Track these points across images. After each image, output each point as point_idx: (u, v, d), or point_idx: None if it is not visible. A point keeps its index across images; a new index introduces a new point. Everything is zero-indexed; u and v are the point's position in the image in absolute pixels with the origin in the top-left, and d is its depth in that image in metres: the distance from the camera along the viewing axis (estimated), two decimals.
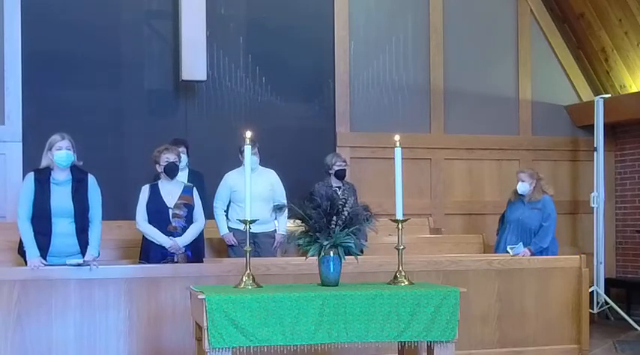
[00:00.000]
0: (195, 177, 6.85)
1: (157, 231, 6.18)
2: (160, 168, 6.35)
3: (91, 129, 7.81)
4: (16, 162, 7.74)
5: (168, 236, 6.19)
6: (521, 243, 7.18)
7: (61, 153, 5.61)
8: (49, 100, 7.90)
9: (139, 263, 6.27)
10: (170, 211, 6.24)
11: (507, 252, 7.03)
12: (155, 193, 6.30)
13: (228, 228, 6.99)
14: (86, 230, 5.74)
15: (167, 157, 6.31)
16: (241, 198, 6.60)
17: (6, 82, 7.81)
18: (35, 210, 5.60)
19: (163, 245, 6.17)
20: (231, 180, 6.98)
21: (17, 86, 7.83)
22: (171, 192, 6.30)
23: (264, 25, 8.60)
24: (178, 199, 6.28)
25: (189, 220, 6.29)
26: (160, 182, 6.37)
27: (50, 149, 5.64)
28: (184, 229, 6.26)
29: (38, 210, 5.60)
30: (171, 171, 6.33)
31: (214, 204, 7.01)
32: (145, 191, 6.32)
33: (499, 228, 7.65)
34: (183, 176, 6.75)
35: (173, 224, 6.23)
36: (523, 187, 7.41)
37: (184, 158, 6.81)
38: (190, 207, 6.31)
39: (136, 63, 8.22)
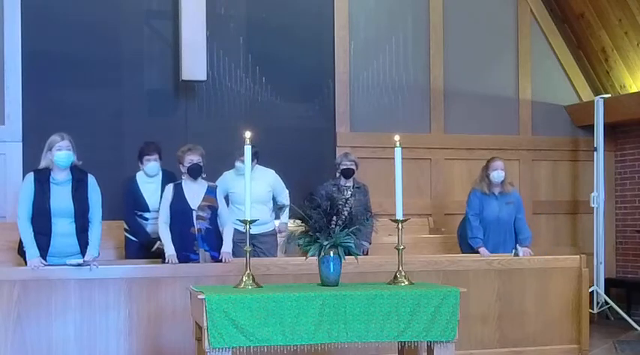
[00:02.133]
0: (169, 178, 6.66)
1: (169, 239, 6.08)
2: (183, 169, 6.29)
3: (91, 129, 7.81)
4: (16, 162, 7.74)
5: (192, 238, 6.10)
6: (518, 246, 7.20)
7: (61, 154, 5.61)
8: (49, 100, 7.90)
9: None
10: (194, 213, 6.16)
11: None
12: (179, 194, 6.21)
13: None
14: (86, 230, 5.74)
15: (191, 158, 6.24)
16: (239, 200, 6.58)
17: (6, 82, 7.81)
18: (35, 210, 5.60)
19: (165, 252, 6.07)
20: (228, 180, 6.96)
21: (17, 86, 7.82)
22: (195, 192, 6.23)
23: (264, 25, 8.60)
24: (202, 200, 6.20)
25: (213, 222, 6.20)
26: (183, 182, 6.28)
27: (50, 149, 5.63)
28: (208, 231, 6.16)
29: (38, 210, 5.60)
30: (195, 172, 6.24)
31: None
32: (168, 190, 6.24)
33: (472, 224, 7.32)
34: (157, 179, 6.67)
35: (197, 226, 6.15)
36: (500, 176, 7.32)
37: (156, 165, 6.65)
38: (214, 209, 6.22)
39: (136, 63, 8.22)
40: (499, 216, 7.33)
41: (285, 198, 6.99)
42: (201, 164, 6.29)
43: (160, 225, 6.16)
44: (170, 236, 6.10)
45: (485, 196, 7.38)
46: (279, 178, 7.06)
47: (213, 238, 6.20)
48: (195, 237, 6.14)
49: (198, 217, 6.16)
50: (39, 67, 7.89)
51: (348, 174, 7.42)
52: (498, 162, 7.37)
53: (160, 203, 6.30)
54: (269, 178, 6.98)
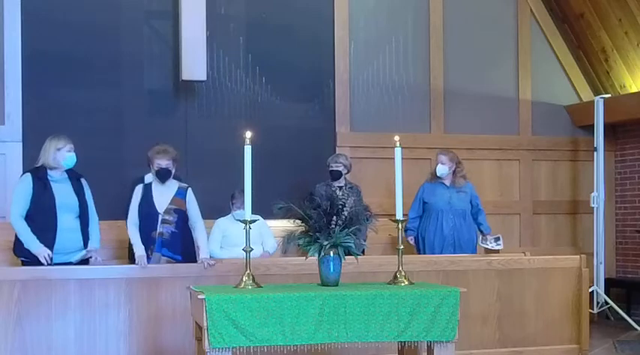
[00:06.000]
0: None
1: (138, 239, 5.93)
2: (152, 171, 6.16)
3: (91, 129, 7.80)
4: (16, 162, 7.73)
5: (153, 242, 5.96)
6: (492, 238, 7.34)
7: (72, 155, 5.74)
8: (49, 100, 7.89)
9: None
10: (160, 216, 6.02)
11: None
12: (148, 195, 6.07)
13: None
14: (87, 226, 5.83)
15: (159, 163, 6.07)
16: (232, 242, 6.60)
17: (6, 82, 7.80)
18: (39, 207, 5.64)
19: (135, 253, 5.89)
20: (223, 223, 6.82)
21: (17, 86, 7.82)
22: (164, 195, 6.09)
23: (264, 25, 8.60)
24: (170, 203, 6.07)
25: (179, 226, 6.04)
26: (153, 183, 6.14)
27: (59, 150, 5.71)
28: (173, 235, 6.01)
29: (42, 207, 5.64)
30: (163, 176, 6.10)
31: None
32: (137, 192, 6.09)
33: (414, 216, 7.48)
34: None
35: (160, 230, 5.99)
36: (442, 170, 7.40)
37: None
38: (181, 212, 6.06)
39: (136, 63, 8.22)
40: (450, 202, 7.40)
41: (271, 246, 6.84)
42: (171, 168, 6.12)
43: (129, 226, 6.01)
44: (139, 237, 5.95)
45: (433, 184, 7.49)
46: (269, 227, 6.84)
47: (178, 242, 6.02)
48: (154, 241, 5.97)
49: (164, 221, 6.02)
50: (39, 67, 7.89)
51: (335, 176, 7.40)
52: (441, 156, 7.46)
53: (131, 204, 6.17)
54: (259, 227, 6.57)
